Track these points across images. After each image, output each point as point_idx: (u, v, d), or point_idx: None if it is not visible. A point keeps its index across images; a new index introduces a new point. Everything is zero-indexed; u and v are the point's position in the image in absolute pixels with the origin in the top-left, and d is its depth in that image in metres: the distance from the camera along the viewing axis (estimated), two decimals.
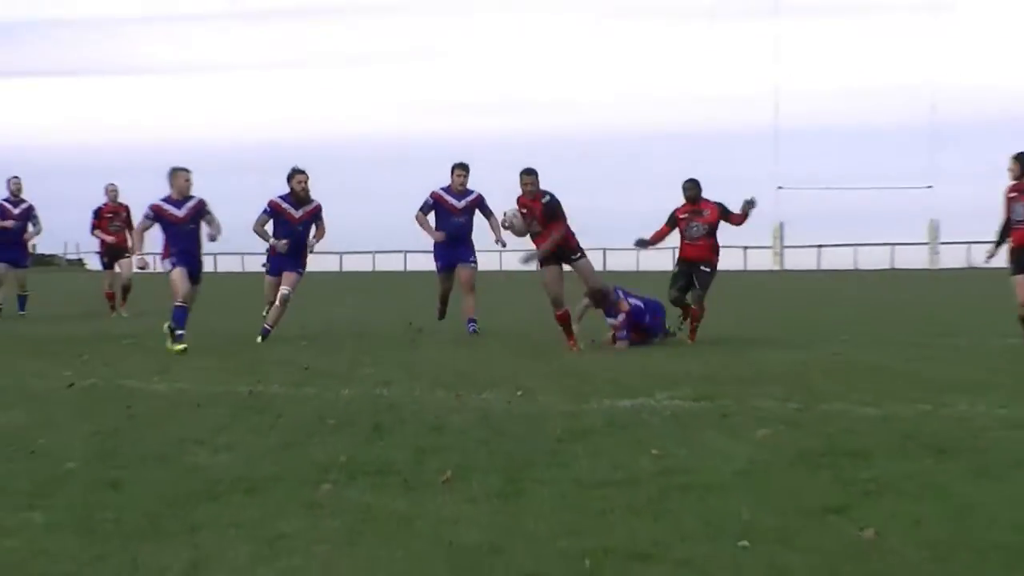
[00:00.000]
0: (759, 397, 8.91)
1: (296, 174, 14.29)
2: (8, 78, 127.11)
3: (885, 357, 11.87)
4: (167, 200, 13.41)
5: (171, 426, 7.94)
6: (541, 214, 12.61)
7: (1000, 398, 8.76)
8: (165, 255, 13.47)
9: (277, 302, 14.23)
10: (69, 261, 71.80)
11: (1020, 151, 11.88)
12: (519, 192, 12.74)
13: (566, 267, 12.96)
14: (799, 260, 56.62)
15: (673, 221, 13.96)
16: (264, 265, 14.60)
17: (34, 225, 20.04)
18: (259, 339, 14.15)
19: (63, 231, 67.54)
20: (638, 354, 12.15)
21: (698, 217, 13.80)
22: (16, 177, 19.83)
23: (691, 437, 7.25)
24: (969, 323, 15.72)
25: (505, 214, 12.84)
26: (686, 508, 5.41)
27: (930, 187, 55.34)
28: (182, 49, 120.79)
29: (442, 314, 15.48)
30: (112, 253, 20.47)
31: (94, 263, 51.49)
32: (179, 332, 12.95)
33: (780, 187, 54.27)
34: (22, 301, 20.01)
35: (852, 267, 55.87)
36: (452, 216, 14.99)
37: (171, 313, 13.13)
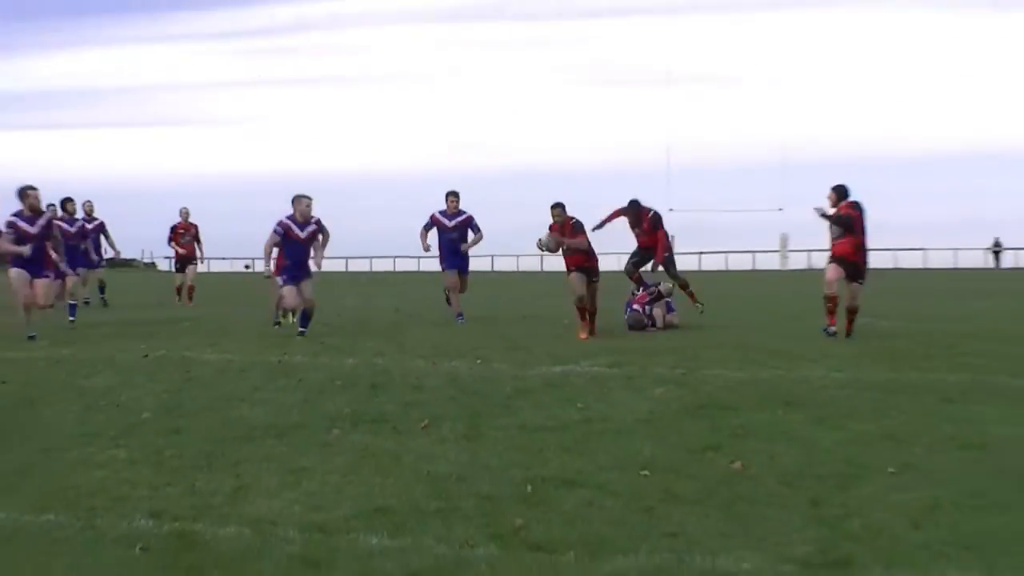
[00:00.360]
0: (656, 365, 8.93)
1: (300, 199, 13.64)
2: (94, 128, 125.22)
3: (749, 335, 11.94)
4: (292, 220, 12.24)
5: (220, 386, 7.86)
6: (571, 232, 11.82)
7: (835, 364, 8.84)
8: (277, 270, 12.46)
9: (304, 306, 12.48)
10: (145, 264, 70.69)
11: (838, 183, 11.51)
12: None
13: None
14: (685, 263, 56.43)
15: (623, 211, 13.25)
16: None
17: (106, 237, 19.50)
18: (298, 335, 12.22)
19: (140, 240, 67.01)
20: (568, 334, 12.13)
21: (637, 225, 13.19)
22: (88, 201, 19.16)
23: (606, 394, 7.27)
24: (810, 310, 15.83)
25: (540, 240, 11.91)
26: (602, 447, 5.42)
27: (781, 209, 55.40)
28: (228, 105, 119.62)
29: (449, 301, 14.99)
30: (183, 261, 20.38)
31: (164, 265, 51.02)
32: (276, 324, 12.62)
33: (671, 209, 53.90)
34: (102, 288, 19.83)
35: (724, 268, 56.15)
36: (444, 233, 14.40)
37: (297, 316, 12.63)
